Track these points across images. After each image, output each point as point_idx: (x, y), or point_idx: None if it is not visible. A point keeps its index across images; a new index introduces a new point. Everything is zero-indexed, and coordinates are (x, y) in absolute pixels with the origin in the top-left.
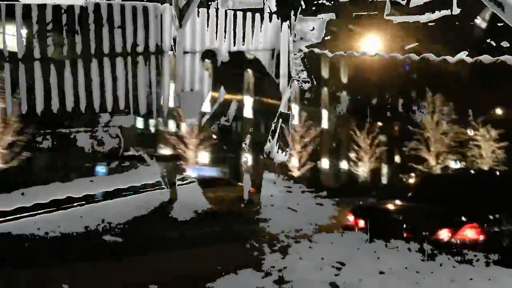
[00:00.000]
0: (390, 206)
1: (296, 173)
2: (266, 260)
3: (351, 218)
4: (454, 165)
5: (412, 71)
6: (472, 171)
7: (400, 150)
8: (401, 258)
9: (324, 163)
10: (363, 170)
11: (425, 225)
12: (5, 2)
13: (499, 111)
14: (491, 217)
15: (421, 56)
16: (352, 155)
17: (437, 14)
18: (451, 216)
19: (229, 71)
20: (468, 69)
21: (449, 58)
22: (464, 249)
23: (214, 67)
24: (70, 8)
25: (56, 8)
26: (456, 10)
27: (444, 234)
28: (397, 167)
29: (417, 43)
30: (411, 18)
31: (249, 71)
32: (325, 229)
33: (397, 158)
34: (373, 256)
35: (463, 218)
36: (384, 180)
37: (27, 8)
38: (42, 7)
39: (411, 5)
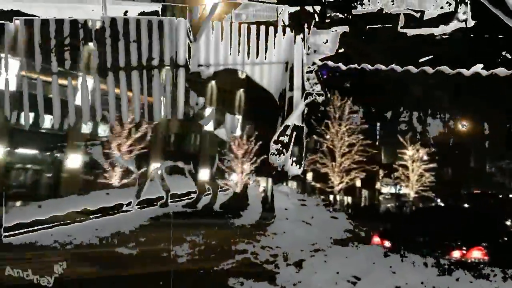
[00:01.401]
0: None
1: None
2: (280, 273)
3: (377, 239)
4: (391, 189)
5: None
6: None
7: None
8: (417, 272)
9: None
10: (236, 185)
11: (442, 246)
12: (24, 18)
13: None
14: (493, 242)
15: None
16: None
17: (452, 27)
18: (462, 240)
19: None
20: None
21: (464, 71)
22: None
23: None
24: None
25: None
26: (471, 23)
27: (456, 254)
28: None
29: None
30: (425, 31)
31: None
32: (340, 242)
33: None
34: (389, 271)
35: (472, 243)
36: None
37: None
38: (59, 22)
39: (425, 17)
